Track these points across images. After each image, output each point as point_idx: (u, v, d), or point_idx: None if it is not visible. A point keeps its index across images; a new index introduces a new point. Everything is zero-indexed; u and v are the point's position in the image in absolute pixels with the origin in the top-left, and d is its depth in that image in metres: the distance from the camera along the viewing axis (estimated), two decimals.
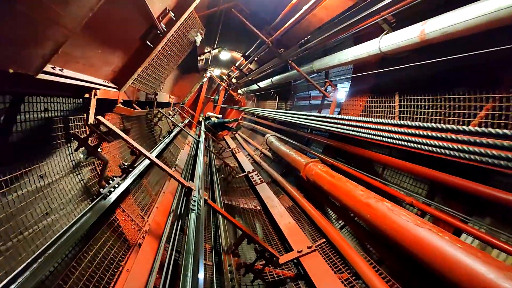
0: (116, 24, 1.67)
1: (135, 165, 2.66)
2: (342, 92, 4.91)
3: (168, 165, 5.44)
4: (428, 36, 2.03)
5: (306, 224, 3.68)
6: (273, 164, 6.34)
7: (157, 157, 4.34)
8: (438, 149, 2.13)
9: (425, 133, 2.23)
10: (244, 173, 5.62)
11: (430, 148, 2.20)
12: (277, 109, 7.25)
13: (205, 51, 6.80)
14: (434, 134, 2.16)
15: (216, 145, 9.46)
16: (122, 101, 3.23)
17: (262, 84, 7.18)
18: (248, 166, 6.22)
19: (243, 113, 13.06)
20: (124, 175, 2.48)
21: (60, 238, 1.61)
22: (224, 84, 12.76)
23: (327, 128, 3.52)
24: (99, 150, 2.43)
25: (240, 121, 12.27)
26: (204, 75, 10.98)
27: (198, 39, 3.65)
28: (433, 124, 2.17)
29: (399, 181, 3.05)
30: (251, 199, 4.87)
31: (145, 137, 5.22)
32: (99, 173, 2.48)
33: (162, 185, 4.12)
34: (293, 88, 6.51)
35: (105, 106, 3.11)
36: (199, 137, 8.16)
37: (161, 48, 2.66)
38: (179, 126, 5.20)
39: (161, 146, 4.21)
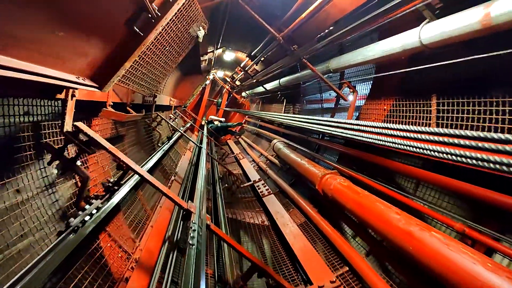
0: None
1: (123, 182, 2.21)
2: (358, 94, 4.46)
3: (167, 174, 5.01)
4: (495, 20, 1.57)
5: (322, 245, 3.21)
6: (281, 172, 5.87)
7: (154, 166, 3.90)
8: (492, 165, 1.67)
9: (472, 144, 1.77)
10: (250, 183, 5.16)
11: (482, 163, 1.73)
12: (284, 112, 6.81)
13: (208, 51, 6.39)
14: (485, 145, 1.70)
15: (219, 150, 9.03)
16: (112, 103, 2.80)
17: (269, 86, 6.75)
18: (253, 174, 5.77)
19: (246, 116, 12.64)
20: (108, 195, 2.03)
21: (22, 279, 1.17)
22: (227, 87, 12.35)
23: (346, 135, 3.06)
24: (79, 163, 1.99)
25: (243, 125, 11.85)
26: (207, 77, 10.57)
27: (201, 34, 3.22)
28: (485, 133, 1.72)
29: (437, 200, 2.58)
30: (257, 212, 4.41)
31: (143, 143, 4.79)
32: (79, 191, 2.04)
33: (160, 198, 3.69)
34: (303, 90, 6.06)
35: (91, 109, 2.68)
36: (201, 142, 7.74)
37: (155, 39, 2.23)
38: (179, 131, 4.77)
39: (158, 155, 3.77)
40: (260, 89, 8.61)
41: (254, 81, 8.18)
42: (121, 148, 3.80)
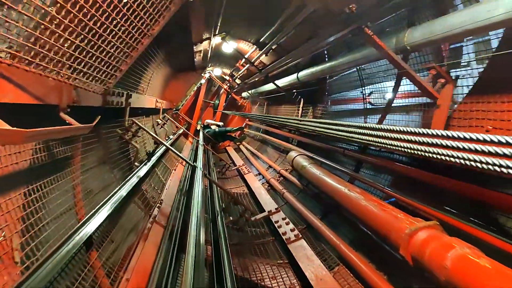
0: None
1: None
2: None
3: (147, 205, 3.56)
4: None
5: None
6: (302, 195, 4.45)
7: (127, 196, 2.46)
8: None
9: None
10: (263, 215, 3.73)
11: None
12: (301, 115, 5.38)
13: (204, 37, 4.95)
14: None
15: (218, 161, 7.56)
16: None
17: (281, 82, 5.32)
18: (265, 199, 4.33)
19: (247, 120, 11.21)
20: None
21: None
22: (225, 86, 10.90)
23: (434, 154, 1.68)
24: None
25: (245, 130, 10.44)
26: (202, 75, 9.09)
27: None
28: None
29: None
30: (281, 266, 2.97)
31: (113, 164, 3.34)
32: None
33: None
34: (329, 86, 4.64)
35: None
36: (195, 155, 6.27)
37: None
38: (165, 145, 3.33)
39: (125, 190, 2.33)
40: (266, 88, 7.19)
41: (259, 78, 6.75)
42: (71, 176, 2.35)
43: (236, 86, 9.96)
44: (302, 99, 5.40)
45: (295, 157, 4.19)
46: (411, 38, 2.14)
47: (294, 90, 5.44)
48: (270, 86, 6.86)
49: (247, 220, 3.62)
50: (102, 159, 3.10)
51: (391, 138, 2.21)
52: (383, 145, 2.29)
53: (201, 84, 9.99)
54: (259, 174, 6.35)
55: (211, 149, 7.65)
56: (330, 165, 3.73)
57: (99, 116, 2.17)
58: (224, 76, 10.35)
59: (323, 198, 3.79)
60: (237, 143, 9.73)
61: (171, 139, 5.97)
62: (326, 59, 4.20)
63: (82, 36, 1.55)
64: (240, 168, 6.35)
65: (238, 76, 8.25)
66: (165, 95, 7.77)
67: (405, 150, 2.13)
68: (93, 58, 1.71)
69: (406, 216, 2.02)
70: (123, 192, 2.25)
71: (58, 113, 1.76)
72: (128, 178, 2.64)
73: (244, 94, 10.34)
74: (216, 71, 10.08)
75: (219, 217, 3.58)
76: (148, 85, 5.20)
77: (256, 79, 7.18)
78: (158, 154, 3.91)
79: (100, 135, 3.09)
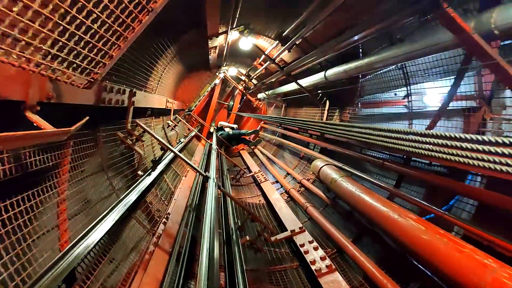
0: None
1: None
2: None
3: (152, 220, 3.10)
4: None
5: None
6: (328, 210, 3.89)
7: (120, 219, 1.99)
8: None
9: None
10: (286, 235, 3.19)
11: None
12: (327, 119, 4.80)
13: (220, 31, 4.47)
14: None
15: (231, 166, 7.07)
16: None
17: (305, 82, 4.77)
18: (286, 214, 3.78)
19: (262, 122, 10.69)
20: None
21: None
22: (240, 87, 10.43)
23: None
24: None
25: (260, 133, 9.94)
26: (217, 74, 8.63)
27: None
28: None
29: None
30: None
31: (113, 173, 2.89)
32: None
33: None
34: (361, 86, 4.05)
35: None
36: (208, 160, 5.79)
37: None
38: (173, 151, 2.85)
39: (117, 213, 1.85)
40: (285, 88, 6.65)
41: (279, 77, 6.24)
42: (53, 191, 1.89)
43: (252, 86, 9.46)
44: (327, 101, 4.83)
45: (322, 167, 3.64)
46: (504, 19, 1.56)
47: (319, 91, 4.88)
48: (289, 87, 6.33)
49: (266, 240, 3.10)
50: (99, 167, 2.64)
51: (455, 147, 1.66)
52: (445, 156, 1.74)
53: (215, 84, 9.55)
54: (277, 182, 5.82)
55: (224, 153, 7.17)
56: (366, 178, 3.15)
57: (87, 118, 1.69)
58: (240, 77, 9.87)
59: (356, 217, 3.22)
60: (252, 147, 9.23)
61: (182, 142, 5.51)
62: (361, 55, 3.63)
63: (54, 8, 1.07)
64: (255, 175, 5.83)
65: (255, 76, 7.74)
66: (177, 95, 7.37)
67: (475, 164, 1.57)
68: (71, 39, 1.23)
69: (498, 264, 1.44)
70: (114, 215, 1.76)
71: (23, 112, 1.29)
72: (123, 196, 2.15)
73: (260, 95, 9.83)
74: (231, 71, 9.62)
75: (234, 236, 3.07)
76: (158, 84, 4.76)
77: (274, 80, 6.67)
78: (165, 161, 3.43)
79: (97, 139, 2.64)
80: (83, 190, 2.25)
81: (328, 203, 3.77)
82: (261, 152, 8.62)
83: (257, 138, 9.06)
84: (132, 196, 2.15)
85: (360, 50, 3.62)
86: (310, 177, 4.85)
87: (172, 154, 3.50)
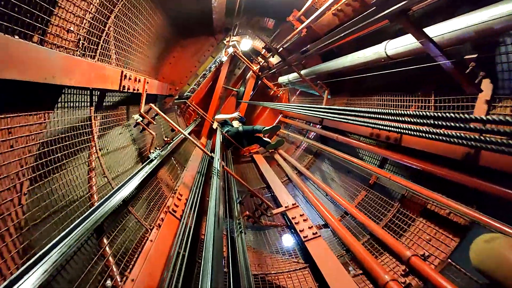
0: None
1: None
2: None
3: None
4: None
5: None
6: None
7: None
8: None
9: None
10: None
11: None
12: (487, 113, 2.26)
13: None
14: None
15: (247, 197, 4.46)
16: None
17: (359, 57, 2.13)
18: None
19: (280, 116, 8.11)
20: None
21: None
22: (255, 68, 7.77)
23: None
24: None
25: (280, 131, 7.42)
26: (225, 42, 5.83)
27: None
28: None
29: None
30: None
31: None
32: None
33: None
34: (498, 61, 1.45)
35: None
36: (200, 199, 3.23)
37: None
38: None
39: None
40: (335, 64, 4.03)
41: (329, 45, 3.60)
42: None
43: (273, 66, 6.81)
44: (490, 82, 2.18)
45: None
46: None
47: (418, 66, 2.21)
48: (343, 62, 3.72)
49: None
50: None
51: None
52: None
53: (221, 62, 6.91)
54: (326, 226, 3.30)
55: (234, 174, 4.58)
56: None
57: None
58: (255, 52, 7.19)
59: None
60: (270, 150, 6.68)
61: (157, 155, 2.97)
62: None
63: None
64: (290, 217, 3.25)
65: (284, 47, 5.01)
66: (163, 72, 4.77)
67: None
68: None
69: None
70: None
71: None
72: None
73: (283, 78, 7.12)
74: (244, 44, 6.95)
75: None
76: (103, 38, 2.21)
77: (321, 51, 3.99)
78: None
79: None
80: None
81: None
82: (285, 159, 6.04)
83: (277, 139, 6.45)
84: None
85: None
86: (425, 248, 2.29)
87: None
